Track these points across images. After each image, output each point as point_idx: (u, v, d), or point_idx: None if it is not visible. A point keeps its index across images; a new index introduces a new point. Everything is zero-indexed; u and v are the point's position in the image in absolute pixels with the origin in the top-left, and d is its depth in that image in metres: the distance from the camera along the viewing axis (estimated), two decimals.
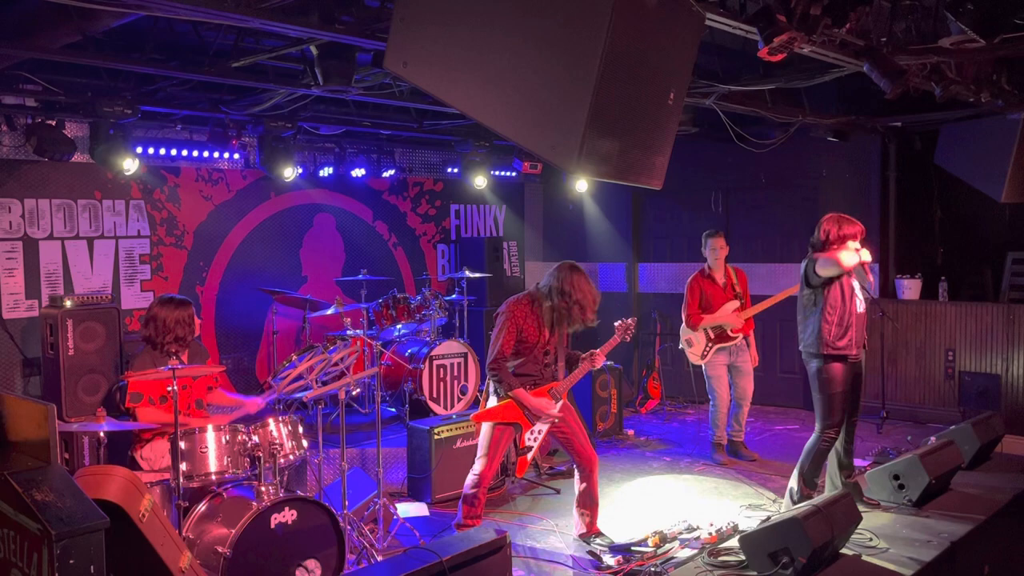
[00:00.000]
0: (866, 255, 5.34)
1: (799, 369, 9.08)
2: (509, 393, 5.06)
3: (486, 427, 5.17)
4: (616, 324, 5.33)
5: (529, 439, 5.18)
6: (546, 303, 5.04)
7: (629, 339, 5.38)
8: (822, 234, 5.38)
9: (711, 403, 7.25)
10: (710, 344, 7.07)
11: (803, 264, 5.47)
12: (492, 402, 5.16)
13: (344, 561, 4.60)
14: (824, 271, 5.27)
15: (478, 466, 5.16)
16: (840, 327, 5.31)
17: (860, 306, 5.41)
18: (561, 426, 5.24)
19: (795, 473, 5.56)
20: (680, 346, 7.29)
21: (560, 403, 5.18)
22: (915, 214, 8.92)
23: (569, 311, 4.98)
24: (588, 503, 5.31)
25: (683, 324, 7.18)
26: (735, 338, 7.07)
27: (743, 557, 4.49)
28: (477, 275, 8.68)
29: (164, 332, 5.04)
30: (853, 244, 5.35)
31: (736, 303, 7.07)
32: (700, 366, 7.27)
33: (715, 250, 7.09)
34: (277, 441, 4.81)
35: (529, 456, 5.23)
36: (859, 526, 4.72)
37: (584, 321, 5.04)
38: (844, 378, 5.38)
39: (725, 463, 7.10)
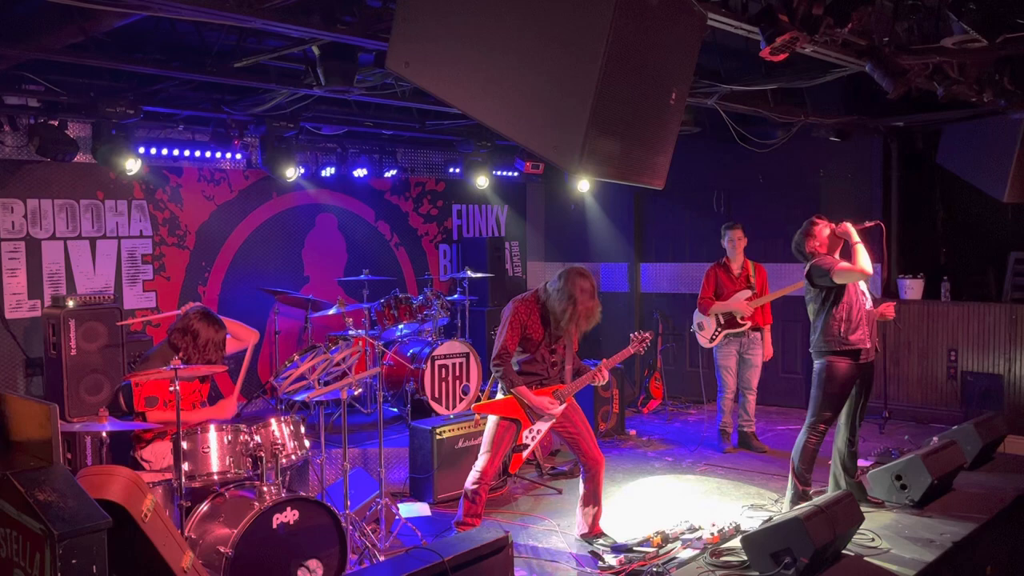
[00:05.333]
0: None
1: (800, 369, 9.13)
2: (511, 390, 5.10)
3: (490, 424, 5.20)
4: (632, 335, 5.42)
5: (527, 437, 5.21)
6: (549, 303, 5.06)
7: (643, 352, 5.51)
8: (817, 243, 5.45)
9: (719, 393, 7.56)
10: (719, 329, 7.40)
11: (806, 268, 5.45)
12: (499, 398, 5.21)
13: (346, 561, 4.59)
14: (843, 280, 5.26)
15: (480, 462, 5.19)
16: (850, 323, 5.30)
17: (868, 302, 5.41)
18: (568, 426, 5.26)
19: (790, 474, 5.56)
20: (691, 328, 7.64)
21: (563, 405, 5.19)
22: (917, 214, 8.91)
23: (564, 313, 4.99)
24: (592, 504, 5.32)
25: (696, 309, 7.53)
26: (744, 326, 7.32)
27: (745, 557, 4.49)
28: (479, 275, 8.68)
29: (199, 350, 4.73)
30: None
31: (748, 292, 7.36)
32: (712, 361, 7.58)
33: (732, 241, 7.45)
34: (279, 441, 4.81)
35: (524, 453, 5.26)
36: (861, 526, 4.72)
37: (578, 328, 5.08)
38: (847, 379, 5.34)
39: (729, 451, 7.41)
